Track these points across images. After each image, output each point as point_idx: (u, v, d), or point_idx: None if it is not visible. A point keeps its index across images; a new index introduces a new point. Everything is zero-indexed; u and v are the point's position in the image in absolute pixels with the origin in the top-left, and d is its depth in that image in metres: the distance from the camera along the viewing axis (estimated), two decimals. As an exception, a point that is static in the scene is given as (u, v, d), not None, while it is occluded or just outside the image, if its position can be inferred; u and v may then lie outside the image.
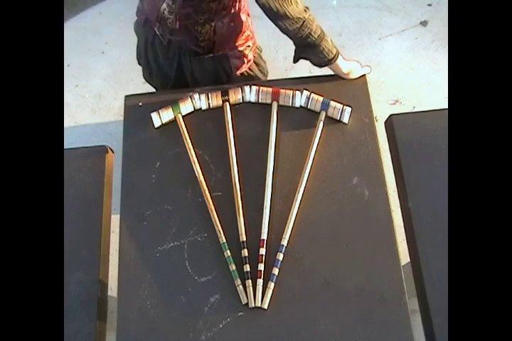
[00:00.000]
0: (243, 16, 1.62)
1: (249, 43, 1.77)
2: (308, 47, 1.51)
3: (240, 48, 1.75)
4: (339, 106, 1.60)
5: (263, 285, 1.42)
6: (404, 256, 1.50)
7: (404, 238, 1.57)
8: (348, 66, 1.63)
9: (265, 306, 1.40)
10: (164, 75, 1.84)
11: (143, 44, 1.80)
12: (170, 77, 1.82)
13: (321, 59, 1.54)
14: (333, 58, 1.54)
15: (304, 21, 1.42)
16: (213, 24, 1.56)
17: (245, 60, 1.81)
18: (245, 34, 1.71)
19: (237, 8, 1.56)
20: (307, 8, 1.44)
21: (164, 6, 1.54)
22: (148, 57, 1.82)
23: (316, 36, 1.47)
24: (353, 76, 1.66)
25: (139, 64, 1.94)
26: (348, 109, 1.59)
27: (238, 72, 1.83)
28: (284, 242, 1.46)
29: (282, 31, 1.46)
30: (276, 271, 1.43)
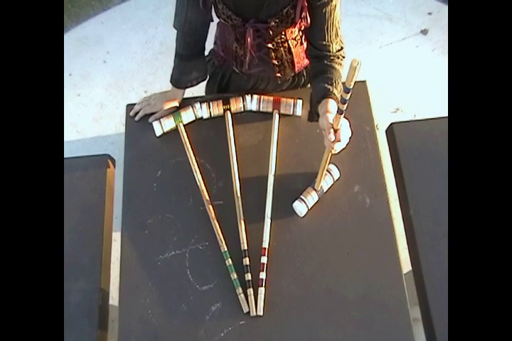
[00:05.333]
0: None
1: None
2: (323, 72, 1.43)
3: None
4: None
5: (264, 294, 1.42)
6: (406, 264, 1.50)
7: (406, 246, 1.57)
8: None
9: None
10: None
11: (218, 81, 1.82)
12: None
13: (323, 88, 1.38)
14: (333, 91, 1.37)
15: (343, 48, 1.46)
16: (286, 45, 1.54)
17: None
18: None
19: (302, 20, 1.44)
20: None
21: (235, 44, 1.55)
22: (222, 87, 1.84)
23: (338, 64, 1.45)
24: (342, 132, 1.26)
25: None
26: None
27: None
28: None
29: (318, 46, 1.43)
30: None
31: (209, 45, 1.68)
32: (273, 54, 1.56)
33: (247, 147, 1.64)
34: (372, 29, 3.02)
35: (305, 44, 1.55)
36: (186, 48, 1.58)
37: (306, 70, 1.74)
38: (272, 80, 1.72)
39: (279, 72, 1.65)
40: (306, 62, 1.67)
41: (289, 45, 1.54)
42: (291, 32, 1.50)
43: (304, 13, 1.38)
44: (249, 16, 1.40)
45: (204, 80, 1.71)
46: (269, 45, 1.52)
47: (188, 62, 1.63)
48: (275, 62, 1.59)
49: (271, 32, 1.45)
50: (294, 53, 1.58)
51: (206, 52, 1.69)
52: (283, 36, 1.50)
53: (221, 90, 1.84)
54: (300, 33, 1.53)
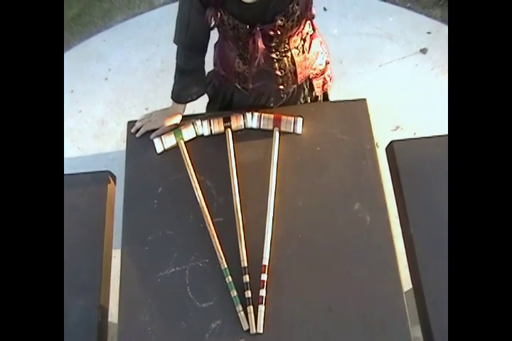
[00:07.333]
0: (309, 28, 1.60)
1: (326, 58, 1.77)
2: None
3: (320, 67, 1.75)
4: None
5: (264, 312, 1.41)
6: (407, 283, 1.50)
7: (406, 264, 1.56)
8: None
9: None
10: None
11: (219, 101, 1.85)
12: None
13: None
14: None
15: None
16: (289, 54, 1.56)
17: (328, 78, 1.82)
18: (321, 50, 1.72)
19: (305, 29, 1.55)
20: None
21: (237, 59, 1.57)
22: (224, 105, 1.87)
23: None
24: None
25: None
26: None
27: (321, 91, 1.84)
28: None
29: None
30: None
31: (208, 65, 1.70)
32: (277, 64, 1.58)
33: (247, 164, 1.64)
34: (372, 48, 3.04)
35: (306, 53, 1.59)
36: (187, 62, 1.60)
37: (306, 83, 1.76)
38: (274, 95, 1.73)
39: (281, 84, 1.67)
40: (308, 72, 1.69)
41: (292, 54, 1.56)
42: (294, 40, 1.52)
43: (309, 5, 1.42)
44: (256, 21, 1.42)
45: (203, 94, 1.72)
46: (273, 55, 1.54)
47: (189, 77, 1.65)
48: (279, 73, 1.61)
49: (278, 32, 1.44)
50: (296, 63, 1.60)
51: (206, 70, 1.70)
52: (286, 45, 1.52)
53: (223, 110, 1.85)
54: (302, 41, 1.56)
